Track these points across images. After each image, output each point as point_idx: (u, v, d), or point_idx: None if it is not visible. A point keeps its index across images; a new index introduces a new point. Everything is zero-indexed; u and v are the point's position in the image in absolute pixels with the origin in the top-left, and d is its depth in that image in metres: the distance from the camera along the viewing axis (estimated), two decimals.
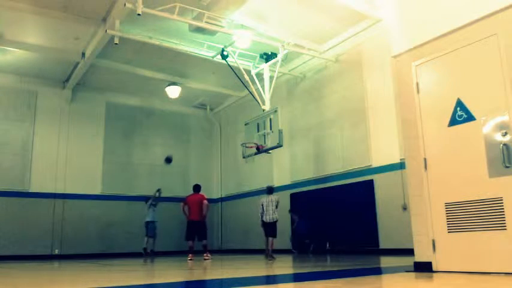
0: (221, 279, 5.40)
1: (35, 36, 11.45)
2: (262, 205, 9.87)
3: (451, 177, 4.56)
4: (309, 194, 12.53)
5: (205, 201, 10.32)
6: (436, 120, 4.78)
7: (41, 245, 13.35)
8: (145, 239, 12.44)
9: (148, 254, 12.27)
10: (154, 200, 12.88)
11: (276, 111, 10.89)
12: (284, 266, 7.57)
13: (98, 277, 5.99)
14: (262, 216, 9.86)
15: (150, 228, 12.47)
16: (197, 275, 6.15)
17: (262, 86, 11.69)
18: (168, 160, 12.06)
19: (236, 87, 14.37)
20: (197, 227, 10.11)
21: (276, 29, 10.89)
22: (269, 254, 9.57)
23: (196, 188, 10.66)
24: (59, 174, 14.10)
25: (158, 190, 12.99)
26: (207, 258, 9.98)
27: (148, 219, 12.57)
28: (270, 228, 9.80)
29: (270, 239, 9.76)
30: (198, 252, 10.58)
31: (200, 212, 10.16)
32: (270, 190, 10.17)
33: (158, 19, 9.77)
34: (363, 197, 10.75)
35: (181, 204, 10.31)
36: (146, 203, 12.94)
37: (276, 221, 9.81)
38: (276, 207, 9.82)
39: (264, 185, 14.26)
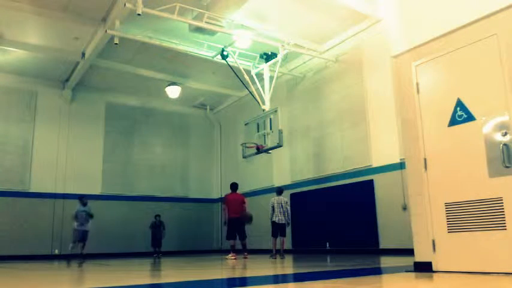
0: (220, 279, 5.40)
1: (35, 36, 11.45)
2: (273, 206, 10.02)
3: (451, 177, 4.56)
4: (309, 194, 12.53)
5: (245, 204, 10.53)
6: (436, 120, 4.77)
7: (41, 245, 13.35)
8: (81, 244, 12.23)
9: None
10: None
11: (276, 111, 10.91)
12: (284, 266, 7.57)
13: (98, 277, 5.98)
14: (272, 217, 10.00)
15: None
16: (191, 275, 6.14)
17: (262, 86, 11.68)
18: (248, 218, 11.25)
19: (236, 87, 14.37)
20: (238, 224, 10.24)
21: (276, 29, 10.89)
22: (281, 253, 9.84)
23: (235, 186, 10.74)
24: (59, 174, 14.10)
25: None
26: (246, 257, 10.15)
27: (87, 229, 12.36)
28: (280, 229, 9.99)
29: (283, 238, 10.01)
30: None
31: (240, 210, 10.31)
32: (279, 191, 10.33)
33: (158, 19, 9.77)
34: (363, 197, 10.75)
35: (224, 206, 10.26)
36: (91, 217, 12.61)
37: (285, 223, 10.01)
38: (286, 209, 10.02)
39: (264, 185, 14.33)
